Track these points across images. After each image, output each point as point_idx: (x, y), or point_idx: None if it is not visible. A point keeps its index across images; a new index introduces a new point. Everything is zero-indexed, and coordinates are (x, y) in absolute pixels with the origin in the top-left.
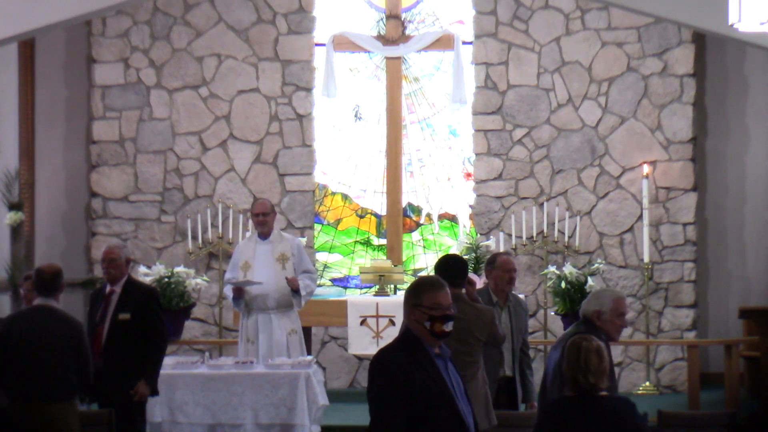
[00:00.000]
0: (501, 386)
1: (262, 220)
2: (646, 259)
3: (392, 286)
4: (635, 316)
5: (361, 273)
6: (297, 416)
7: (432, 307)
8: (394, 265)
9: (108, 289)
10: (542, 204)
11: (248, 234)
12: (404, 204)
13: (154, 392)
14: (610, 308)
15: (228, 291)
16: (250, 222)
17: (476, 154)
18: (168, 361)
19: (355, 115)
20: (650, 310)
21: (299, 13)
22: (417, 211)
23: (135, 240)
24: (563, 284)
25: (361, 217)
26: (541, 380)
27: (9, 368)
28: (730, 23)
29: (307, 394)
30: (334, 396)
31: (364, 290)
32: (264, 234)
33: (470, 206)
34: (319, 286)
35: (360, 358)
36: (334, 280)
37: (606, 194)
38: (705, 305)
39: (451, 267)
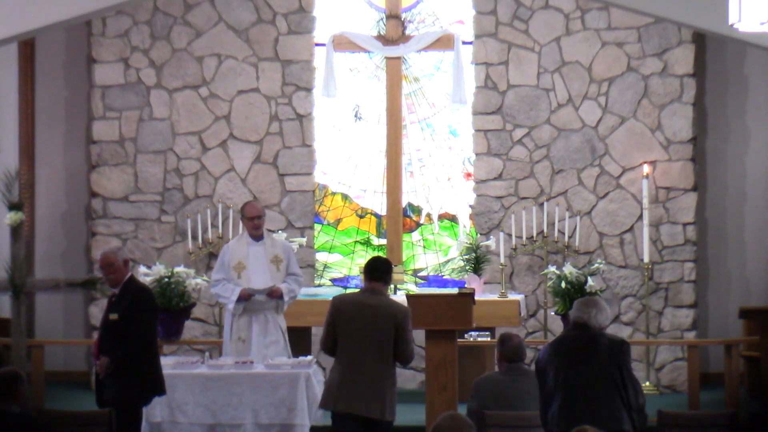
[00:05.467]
0: None
1: (258, 223)
2: (646, 259)
3: (392, 286)
4: (635, 316)
5: (361, 273)
6: (297, 416)
7: None
8: (394, 265)
9: (110, 291)
10: (542, 204)
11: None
12: (404, 204)
13: (161, 391)
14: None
15: (229, 293)
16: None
17: (476, 154)
18: (168, 361)
19: (355, 115)
20: (650, 310)
21: (299, 13)
22: (417, 211)
23: (135, 240)
24: (563, 284)
25: (361, 217)
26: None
27: None
28: (730, 23)
29: (307, 394)
30: None
31: None
32: (259, 236)
33: (470, 206)
34: (319, 286)
35: None
36: (334, 280)
37: (606, 194)
38: (705, 305)
39: (375, 267)
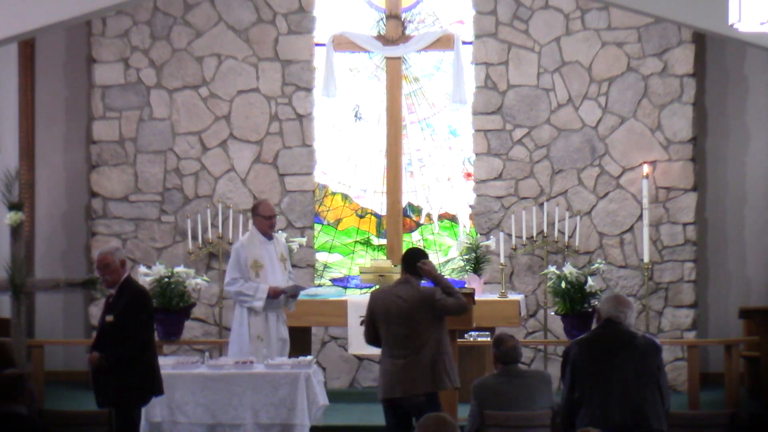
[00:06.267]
0: None
1: (274, 222)
2: (646, 259)
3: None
4: (635, 316)
5: (361, 273)
6: (297, 416)
7: None
8: (394, 265)
9: (109, 292)
10: (542, 204)
11: (245, 233)
12: (404, 204)
13: (159, 392)
14: None
15: (253, 291)
16: (250, 222)
17: (476, 154)
18: (168, 361)
19: (355, 115)
20: (650, 310)
21: (299, 13)
22: (417, 211)
23: (135, 240)
24: (563, 284)
25: (361, 217)
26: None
27: None
28: (730, 23)
29: (307, 394)
30: (334, 396)
31: (364, 290)
32: (271, 235)
33: (470, 206)
34: (319, 286)
35: (360, 358)
36: (334, 280)
37: (606, 194)
38: (705, 305)
39: (410, 258)
